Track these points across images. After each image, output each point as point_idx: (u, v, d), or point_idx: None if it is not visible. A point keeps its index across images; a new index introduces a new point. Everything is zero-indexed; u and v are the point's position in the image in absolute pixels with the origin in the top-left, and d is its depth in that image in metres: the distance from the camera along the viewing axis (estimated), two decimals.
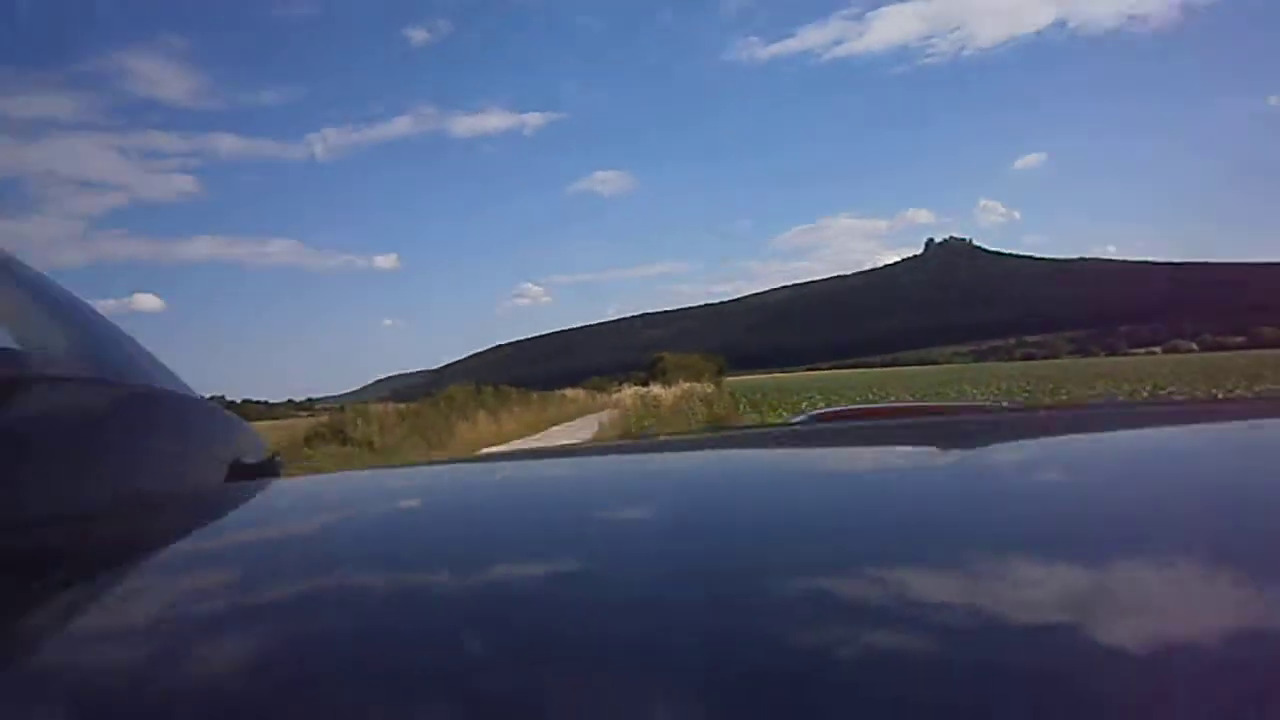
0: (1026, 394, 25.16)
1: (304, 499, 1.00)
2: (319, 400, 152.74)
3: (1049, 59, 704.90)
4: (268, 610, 0.53)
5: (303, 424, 29.48)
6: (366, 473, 1.49)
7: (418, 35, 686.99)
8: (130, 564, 0.68)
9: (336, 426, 22.40)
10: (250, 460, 1.25)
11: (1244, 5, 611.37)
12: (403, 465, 2.69)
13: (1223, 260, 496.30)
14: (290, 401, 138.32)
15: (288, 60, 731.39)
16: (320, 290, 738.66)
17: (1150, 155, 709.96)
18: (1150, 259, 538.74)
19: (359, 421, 22.78)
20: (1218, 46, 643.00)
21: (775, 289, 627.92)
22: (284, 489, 1.07)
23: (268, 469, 1.25)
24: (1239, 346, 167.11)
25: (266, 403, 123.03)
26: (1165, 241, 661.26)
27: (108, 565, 0.68)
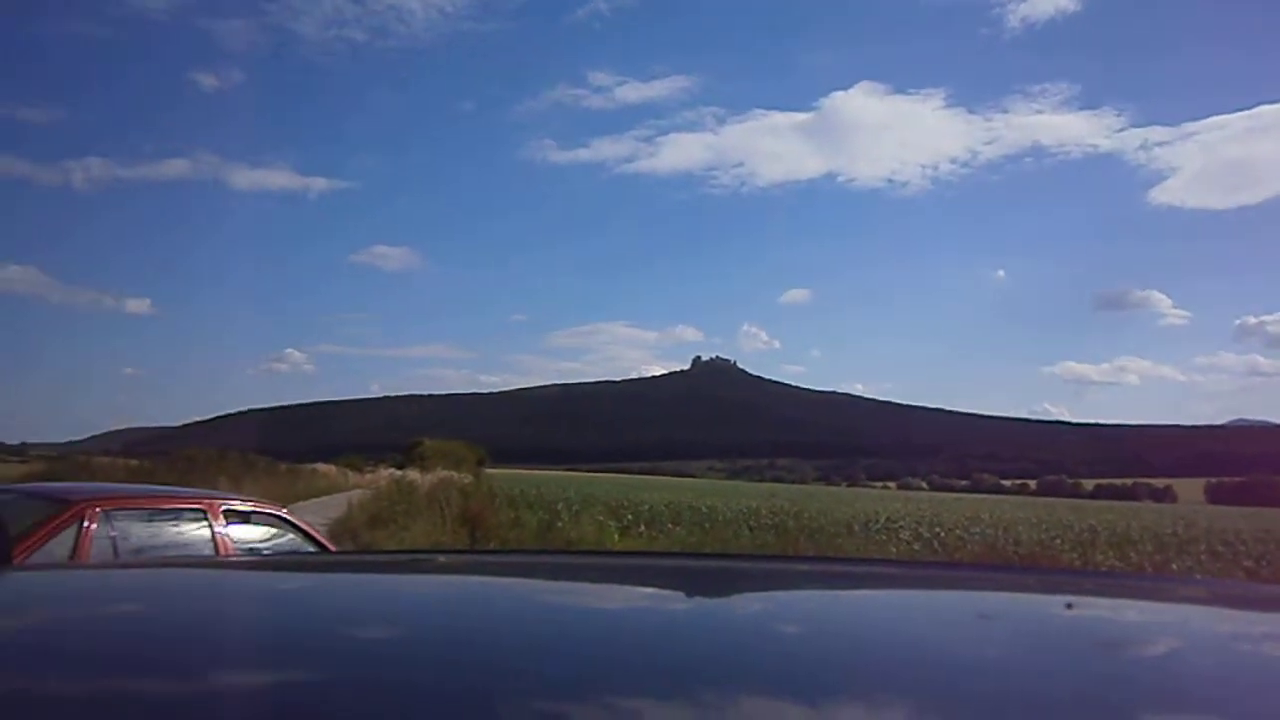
0: (772, 515, 26.43)
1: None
2: (35, 446, 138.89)
3: (819, 206, 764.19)
4: None
5: (13, 471, 26.72)
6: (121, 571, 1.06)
7: (207, 80, 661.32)
8: None
9: (52, 477, 20.70)
10: None
11: (980, 187, 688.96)
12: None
13: (952, 409, 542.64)
14: None
15: (58, 80, 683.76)
16: (57, 326, 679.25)
17: (900, 306, 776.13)
18: (893, 400, 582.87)
19: (80, 475, 21.10)
20: (961, 219, 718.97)
21: (545, 385, 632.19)
22: None
23: None
24: (962, 489, 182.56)
25: None
26: (905, 386, 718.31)
27: None
